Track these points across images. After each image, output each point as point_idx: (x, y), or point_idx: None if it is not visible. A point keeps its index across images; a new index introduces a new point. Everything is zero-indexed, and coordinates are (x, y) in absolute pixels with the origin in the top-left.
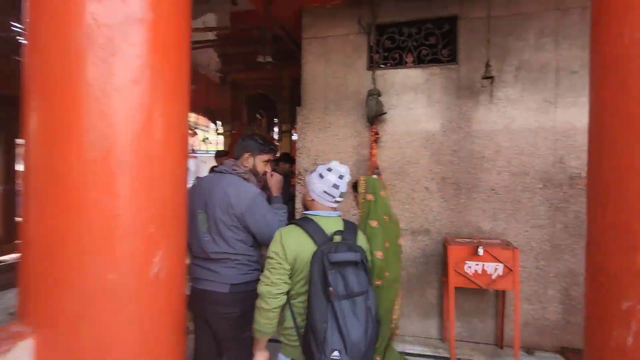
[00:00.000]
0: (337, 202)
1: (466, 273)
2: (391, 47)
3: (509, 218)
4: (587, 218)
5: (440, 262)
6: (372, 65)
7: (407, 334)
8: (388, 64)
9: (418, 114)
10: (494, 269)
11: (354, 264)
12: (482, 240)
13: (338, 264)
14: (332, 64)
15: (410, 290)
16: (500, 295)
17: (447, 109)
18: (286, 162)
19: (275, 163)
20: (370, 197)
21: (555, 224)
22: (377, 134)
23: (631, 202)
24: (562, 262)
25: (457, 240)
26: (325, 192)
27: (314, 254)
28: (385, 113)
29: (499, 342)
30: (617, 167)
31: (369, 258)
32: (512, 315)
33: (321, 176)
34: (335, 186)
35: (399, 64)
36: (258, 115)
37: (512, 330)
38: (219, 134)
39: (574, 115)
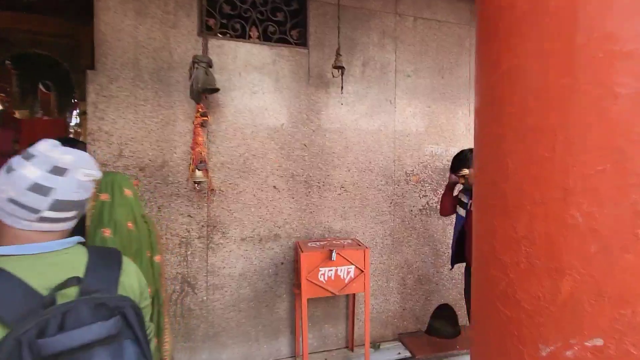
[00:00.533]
0: (45, 220)
1: (320, 281)
2: (231, 14)
3: (358, 216)
4: (482, 232)
5: (291, 270)
6: (206, 31)
7: None
8: (228, 35)
9: (265, 100)
10: (346, 272)
11: (111, 339)
12: (333, 241)
13: (68, 352)
14: (147, 20)
15: (258, 309)
16: (351, 297)
17: (296, 97)
18: None
19: None
20: (104, 197)
21: (395, 219)
22: (205, 115)
23: (555, 210)
24: (400, 254)
25: (309, 244)
26: (12, 200)
27: None
28: (218, 90)
29: (350, 344)
30: (535, 166)
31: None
32: (361, 314)
33: (9, 170)
34: (39, 188)
35: (242, 36)
36: (42, 88)
37: (360, 329)
38: None
39: (408, 116)
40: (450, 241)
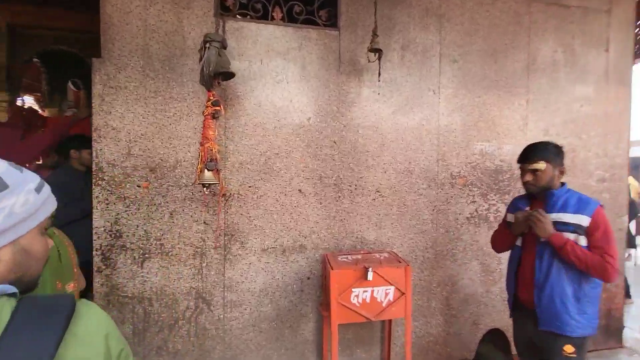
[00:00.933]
0: None
1: (353, 304)
2: None
3: (395, 224)
4: None
5: (318, 286)
6: (222, 12)
7: None
8: (248, 16)
9: (289, 91)
10: (384, 294)
11: None
12: (367, 254)
13: None
14: (158, 0)
15: (281, 330)
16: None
17: (325, 87)
18: (82, 148)
19: (60, 153)
20: None
21: (437, 228)
22: (217, 104)
23: None
24: (444, 269)
25: (340, 258)
26: None
27: None
28: (233, 74)
29: None
30: None
31: None
32: (399, 338)
33: None
34: None
35: (263, 17)
36: (72, 86)
37: (397, 355)
38: None
39: (455, 108)
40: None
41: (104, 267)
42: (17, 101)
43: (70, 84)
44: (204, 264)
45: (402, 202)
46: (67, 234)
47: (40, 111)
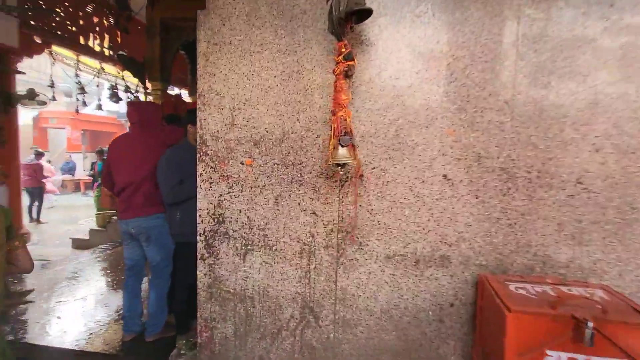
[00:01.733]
0: None
1: None
2: None
3: (610, 239)
4: None
5: (467, 319)
6: None
7: None
8: None
9: (435, 26)
10: None
11: None
12: (560, 286)
13: None
14: None
15: None
16: None
17: (495, 16)
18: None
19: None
20: None
21: None
22: (349, 58)
23: None
24: None
25: (513, 288)
26: None
27: None
28: (370, 11)
29: None
30: None
31: None
32: None
33: None
34: None
35: None
36: None
37: None
38: (147, 93)
39: None
40: None
41: (207, 255)
42: (168, 89)
43: None
44: (312, 266)
45: (626, 202)
46: (183, 213)
47: (185, 98)
